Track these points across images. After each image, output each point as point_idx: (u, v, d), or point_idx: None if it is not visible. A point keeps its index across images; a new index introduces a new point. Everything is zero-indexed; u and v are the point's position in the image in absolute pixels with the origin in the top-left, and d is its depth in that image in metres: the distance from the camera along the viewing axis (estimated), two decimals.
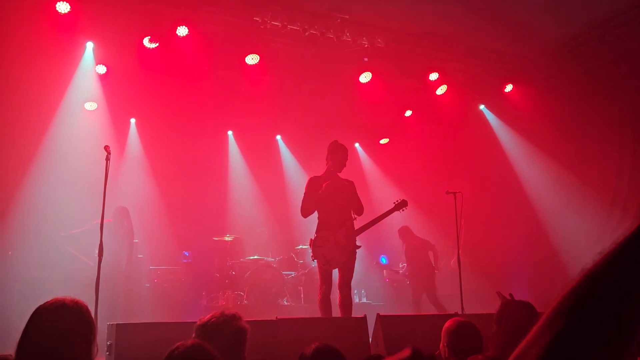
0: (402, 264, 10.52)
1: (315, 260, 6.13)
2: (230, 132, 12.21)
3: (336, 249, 5.97)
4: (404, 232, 9.97)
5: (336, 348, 2.55)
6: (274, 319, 4.78)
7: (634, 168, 9.34)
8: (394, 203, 6.33)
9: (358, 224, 6.27)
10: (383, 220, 6.41)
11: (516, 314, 3.46)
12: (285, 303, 9.84)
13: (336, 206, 6.08)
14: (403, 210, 6.33)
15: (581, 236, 9.84)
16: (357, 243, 6.20)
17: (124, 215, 8.33)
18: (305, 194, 6.20)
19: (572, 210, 10.03)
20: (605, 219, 9.64)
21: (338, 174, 6.31)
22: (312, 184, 6.19)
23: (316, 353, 2.42)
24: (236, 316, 2.70)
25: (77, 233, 8.23)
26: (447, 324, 3.36)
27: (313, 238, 6.11)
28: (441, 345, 3.33)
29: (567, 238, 10.02)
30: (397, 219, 10.05)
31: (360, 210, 6.25)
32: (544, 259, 10.06)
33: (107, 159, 5.13)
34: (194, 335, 2.67)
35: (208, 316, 2.70)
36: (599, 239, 9.63)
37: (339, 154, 6.22)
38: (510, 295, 3.61)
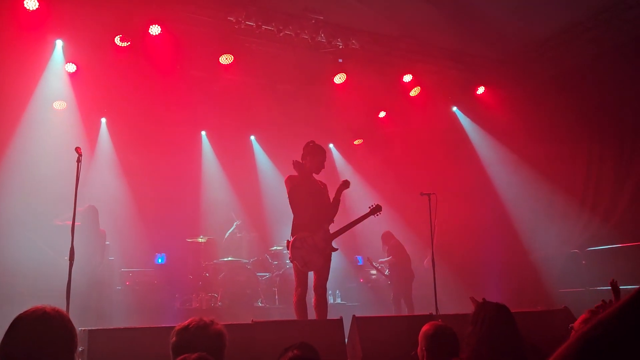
0: (376, 263, 10.58)
1: (292, 262, 6.03)
2: (203, 132, 12.08)
3: (314, 251, 5.89)
4: (387, 236, 10.06)
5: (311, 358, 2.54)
6: (250, 322, 4.74)
7: (602, 170, 9.57)
8: (369, 208, 6.27)
9: (333, 227, 6.23)
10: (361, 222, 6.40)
11: (491, 315, 3.50)
12: (260, 304, 9.79)
13: (315, 208, 5.98)
14: (378, 214, 6.27)
15: (550, 236, 10.06)
16: (334, 246, 6.17)
17: (93, 214, 8.12)
18: (291, 194, 5.98)
19: (542, 210, 10.23)
20: (574, 220, 9.87)
21: (314, 175, 6.21)
22: (294, 183, 5.99)
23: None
24: (214, 321, 2.69)
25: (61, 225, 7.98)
26: (425, 328, 3.38)
27: (291, 240, 5.98)
28: (419, 349, 3.35)
29: (537, 238, 10.22)
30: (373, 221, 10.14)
31: (334, 214, 6.17)
32: (514, 258, 10.24)
33: (79, 160, 5.01)
34: (174, 339, 2.62)
35: (188, 321, 2.67)
36: (568, 239, 9.87)
37: (319, 156, 6.10)
38: (483, 299, 3.65)
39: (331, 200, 6.12)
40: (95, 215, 8.08)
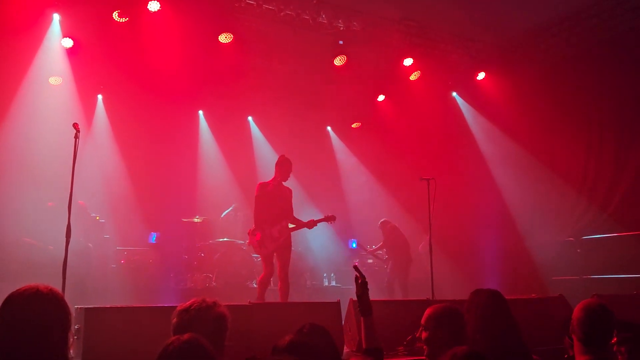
0: (369, 247, 10.60)
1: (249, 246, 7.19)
2: (201, 112, 11.97)
3: (269, 239, 7.04)
4: (384, 224, 10.04)
5: (317, 340, 2.51)
6: (247, 303, 4.73)
7: (600, 158, 9.57)
8: (324, 216, 7.33)
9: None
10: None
11: (485, 302, 3.49)
12: (255, 286, 9.75)
13: (277, 207, 7.11)
14: (331, 223, 7.39)
15: (547, 224, 10.09)
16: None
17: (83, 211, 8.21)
18: (257, 197, 7.15)
19: (539, 198, 10.23)
20: (571, 208, 9.89)
21: (282, 182, 7.29)
22: (262, 189, 7.19)
23: (291, 346, 2.38)
24: (217, 303, 2.68)
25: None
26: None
27: (252, 229, 7.12)
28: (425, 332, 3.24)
29: (533, 225, 10.24)
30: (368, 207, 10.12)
31: (289, 216, 7.25)
32: (510, 245, 10.26)
33: (76, 137, 4.92)
34: (175, 320, 2.61)
35: (189, 302, 2.66)
36: (564, 227, 9.91)
37: (286, 167, 7.25)
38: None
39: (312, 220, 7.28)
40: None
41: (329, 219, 7.35)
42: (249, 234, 7.25)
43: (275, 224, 7.10)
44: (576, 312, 3.23)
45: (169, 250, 9.86)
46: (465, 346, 2.43)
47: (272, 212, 7.10)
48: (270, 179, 7.35)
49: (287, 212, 7.25)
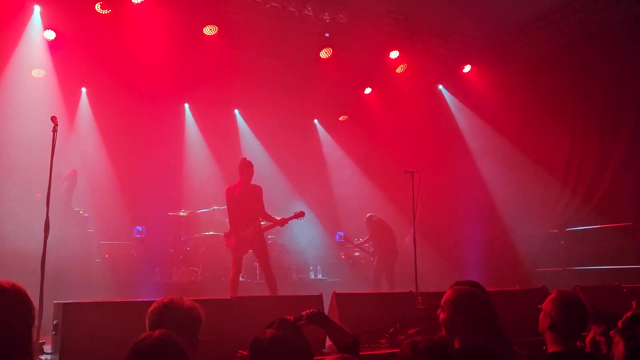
0: (356, 239, 10.61)
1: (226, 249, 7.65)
2: (186, 105, 11.88)
3: (244, 242, 7.35)
4: (370, 218, 10.03)
5: (292, 335, 2.49)
6: (229, 297, 4.71)
7: (584, 151, 9.63)
8: (294, 213, 7.61)
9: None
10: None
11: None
12: (241, 279, 9.73)
13: (247, 209, 7.41)
14: (300, 219, 7.69)
15: (531, 216, 10.15)
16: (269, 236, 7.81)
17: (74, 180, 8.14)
18: (227, 202, 7.54)
19: (524, 191, 10.29)
20: (555, 200, 9.95)
21: (248, 183, 7.52)
22: (230, 194, 7.49)
23: (272, 342, 2.36)
24: (190, 300, 2.67)
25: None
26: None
27: (227, 232, 7.49)
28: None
29: (517, 217, 10.31)
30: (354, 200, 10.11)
31: (261, 213, 7.53)
32: (495, 237, 10.33)
33: (54, 130, 4.87)
34: (150, 316, 2.59)
35: (162, 297, 2.64)
36: (548, 219, 9.98)
37: (248, 169, 7.50)
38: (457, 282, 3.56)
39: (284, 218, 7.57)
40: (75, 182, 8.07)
41: (297, 215, 7.64)
42: (224, 237, 7.56)
43: (248, 226, 7.37)
44: (547, 303, 3.15)
45: (155, 244, 9.80)
46: (427, 337, 2.39)
47: (243, 214, 7.38)
48: (236, 182, 7.60)
49: (258, 211, 7.51)
